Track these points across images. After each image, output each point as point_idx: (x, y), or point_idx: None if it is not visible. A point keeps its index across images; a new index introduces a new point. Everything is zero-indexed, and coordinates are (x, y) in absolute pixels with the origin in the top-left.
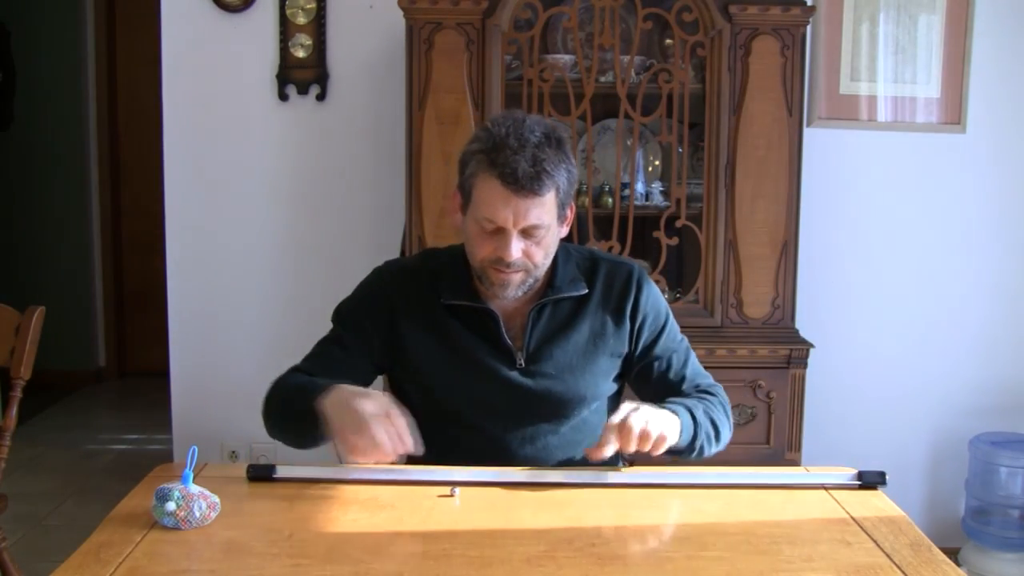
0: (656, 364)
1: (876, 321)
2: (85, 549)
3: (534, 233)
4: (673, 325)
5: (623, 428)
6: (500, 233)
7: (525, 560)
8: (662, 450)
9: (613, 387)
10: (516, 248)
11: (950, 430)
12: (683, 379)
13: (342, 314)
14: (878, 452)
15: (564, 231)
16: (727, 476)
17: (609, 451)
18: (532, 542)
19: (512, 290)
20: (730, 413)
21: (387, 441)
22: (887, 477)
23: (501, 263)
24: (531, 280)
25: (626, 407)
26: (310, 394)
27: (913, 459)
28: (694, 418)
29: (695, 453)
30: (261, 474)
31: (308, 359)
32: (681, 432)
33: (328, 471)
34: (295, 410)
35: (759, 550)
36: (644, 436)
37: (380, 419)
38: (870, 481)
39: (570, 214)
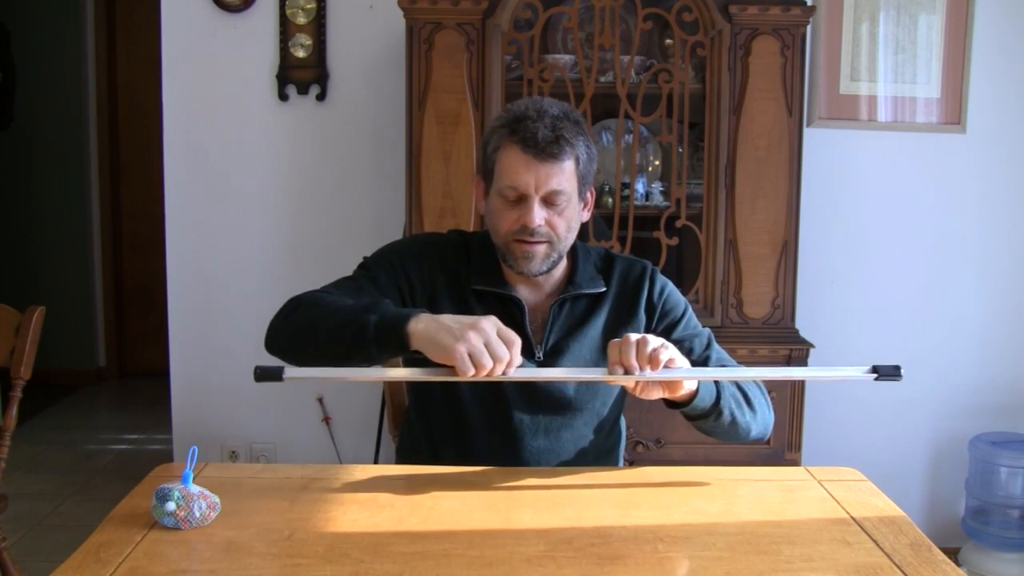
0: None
1: (876, 321)
2: (85, 549)
3: (556, 200)
4: (692, 317)
5: (623, 341)
6: (523, 201)
7: (525, 560)
8: (660, 365)
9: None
10: (539, 215)
11: (950, 430)
12: (707, 359)
13: (379, 258)
14: (878, 452)
15: (586, 215)
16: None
17: (618, 371)
18: (532, 542)
19: (537, 264)
20: (765, 393)
21: (505, 355)
22: (902, 370)
23: (525, 232)
24: (555, 256)
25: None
26: (383, 314)
27: (913, 459)
28: (716, 382)
29: (723, 418)
30: (270, 374)
31: (336, 287)
32: (698, 390)
33: (338, 372)
34: (357, 331)
35: (759, 550)
36: (642, 344)
37: (495, 336)
38: (886, 374)
39: (590, 199)
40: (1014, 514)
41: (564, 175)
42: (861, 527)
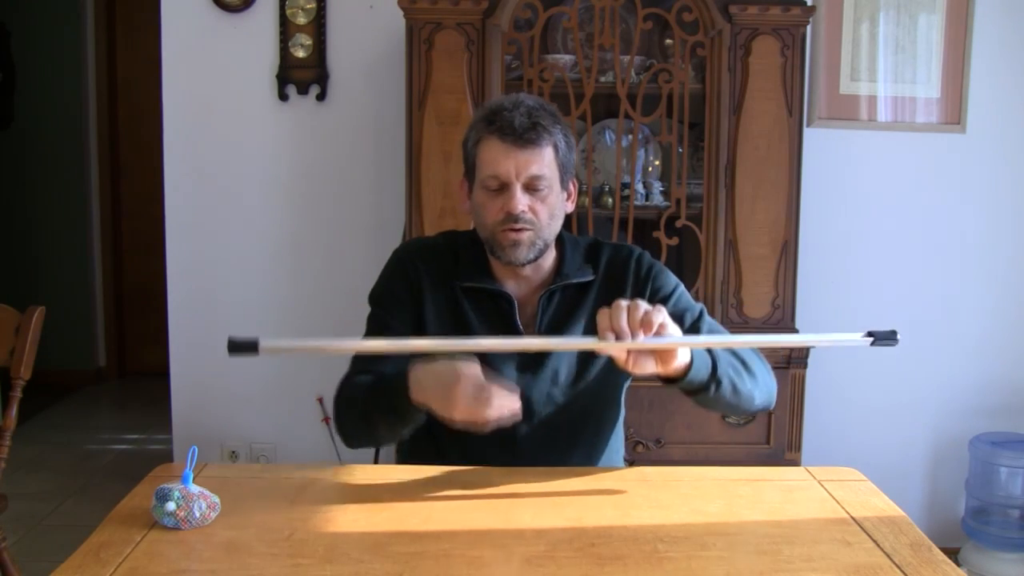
0: None
1: (876, 321)
2: (85, 549)
3: (537, 186)
4: (684, 294)
5: (613, 307)
6: (505, 190)
7: (525, 560)
8: (653, 328)
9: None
10: (521, 200)
11: (950, 430)
12: (698, 331)
13: (380, 299)
14: (878, 452)
15: (569, 206)
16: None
17: (609, 338)
18: (532, 542)
19: (523, 251)
20: (763, 359)
21: (495, 404)
22: (898, 335)
23: (510, 219)
24: (540, 244)
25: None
26: (394, 379)
27: (913, 459)
28: (709, 351)
29: (723, 388)
30: (244, 347)
31: (360, 358)
32: (693, 360)
33: (316, 343)
34: (383, 402)
35: (759, 550)
36: (633, 308)
37: (479, 379)
38: (882, 339)
39: (573, 189)
40: (1014, 514)
41: (544, 161)
42: (861, 527)
